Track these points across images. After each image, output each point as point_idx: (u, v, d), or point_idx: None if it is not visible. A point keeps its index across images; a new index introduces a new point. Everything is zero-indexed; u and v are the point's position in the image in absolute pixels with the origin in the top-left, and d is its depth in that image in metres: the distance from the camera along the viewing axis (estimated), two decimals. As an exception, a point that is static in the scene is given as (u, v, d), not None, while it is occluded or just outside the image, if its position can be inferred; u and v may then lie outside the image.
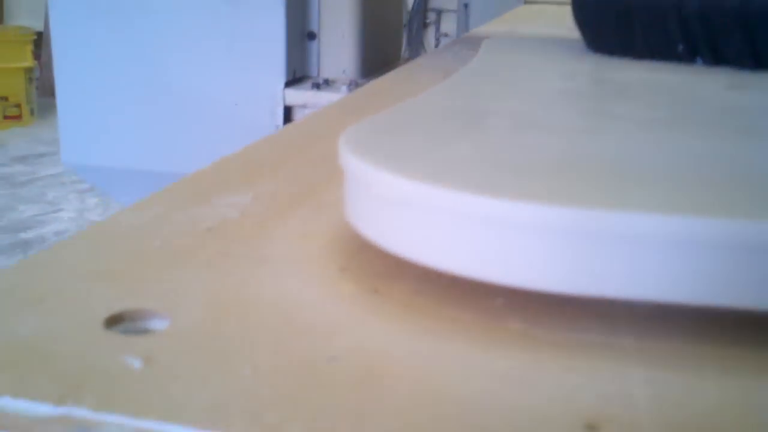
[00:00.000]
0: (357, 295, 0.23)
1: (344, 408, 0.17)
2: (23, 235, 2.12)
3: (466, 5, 2.37)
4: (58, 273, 0.24)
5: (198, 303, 0.22)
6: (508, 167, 0.24)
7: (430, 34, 3.66)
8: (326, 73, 1.10)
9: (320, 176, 0.36)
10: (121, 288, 0.23)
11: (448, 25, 3.53)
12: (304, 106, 1.05)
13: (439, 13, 3.61)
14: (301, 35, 1.08)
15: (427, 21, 3.66)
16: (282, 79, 1.04)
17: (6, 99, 3.35)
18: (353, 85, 1.05)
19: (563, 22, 0.89)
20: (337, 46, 1.09)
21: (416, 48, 3.49)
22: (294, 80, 1.07)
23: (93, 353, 0.19)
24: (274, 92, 1.04)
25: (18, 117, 3.38)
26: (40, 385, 0.17)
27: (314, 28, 1.09)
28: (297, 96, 1.05)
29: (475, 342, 0.20)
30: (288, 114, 1.06)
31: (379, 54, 1.19)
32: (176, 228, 0.28)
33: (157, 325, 0.21)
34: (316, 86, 1.05)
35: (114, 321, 0.21)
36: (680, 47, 0.50)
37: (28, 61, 3.41)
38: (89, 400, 0.17)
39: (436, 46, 3.45)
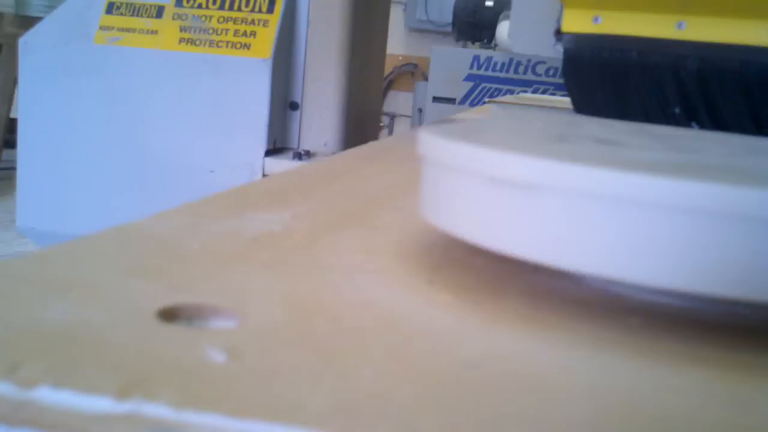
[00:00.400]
0: (460, 306, 0.19)
1: (505, 414, 0.13)
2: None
3: (420, 110, 2.42)
4: (84, 264, 0.19)
5: (270, 302, 0.18)
6: (607, 160, 0.20)
7: (383, 137, 3.70)
8: (307, 144, 1.08)
9: (355, 205, 0.32)
10: (164, 283, 0.18)
11: (401, 128, 3.58)
12: (283, 177, 1.01)
13: (392, 117, 3.66)
14: (283, 105, 1.07)
15: (381, 124, 3.72)
16: (262, 148, 1.01)
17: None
18: (335, 158, 1.03)
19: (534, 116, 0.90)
20: (320, 118, 1.07)
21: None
22: (274, 150, 1.05)
23: (153, 345, 0.14)
24: (254, 160, 1.01)
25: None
26: (90, 376, 0.13)
27: (297, 98, 1.07)
28: (277, 165, 1.01)
29: (610, 350, 0.16)
30: (266, 184, 1.02)
31: (359, 130, 1.18)
32: (214, 235, 0.24)
33: (224, 322, 0.16)
34: (297, 156, 1.02)
35: (170, 315, 0.16)
36: (677, 110, 0.49)
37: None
38: (166, 396, 0.12)
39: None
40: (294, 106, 1.07)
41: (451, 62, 2.27)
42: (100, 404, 0.12)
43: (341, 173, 0.42)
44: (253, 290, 0.18)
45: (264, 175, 1.01)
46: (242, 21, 1.01)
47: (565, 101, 0.69)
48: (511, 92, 2.12)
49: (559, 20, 0.64)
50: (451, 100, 2.32)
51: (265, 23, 1.01)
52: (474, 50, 2.41)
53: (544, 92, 1.88)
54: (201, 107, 1.01)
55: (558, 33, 0.63)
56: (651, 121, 0.50)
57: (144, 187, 1.02)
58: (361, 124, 1.18)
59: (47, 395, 0.12)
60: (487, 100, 2.25)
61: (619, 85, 0.53)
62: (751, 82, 0.47)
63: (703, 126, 0.50)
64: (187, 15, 1.02)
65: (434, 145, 0.21)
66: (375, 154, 0.55)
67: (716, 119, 0.49)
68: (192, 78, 1.01)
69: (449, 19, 2.67)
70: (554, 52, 0.70)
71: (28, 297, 0.16)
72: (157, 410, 0.12)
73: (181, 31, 1.02)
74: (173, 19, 1.02)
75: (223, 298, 0.17)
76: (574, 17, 0.53)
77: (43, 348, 0.14)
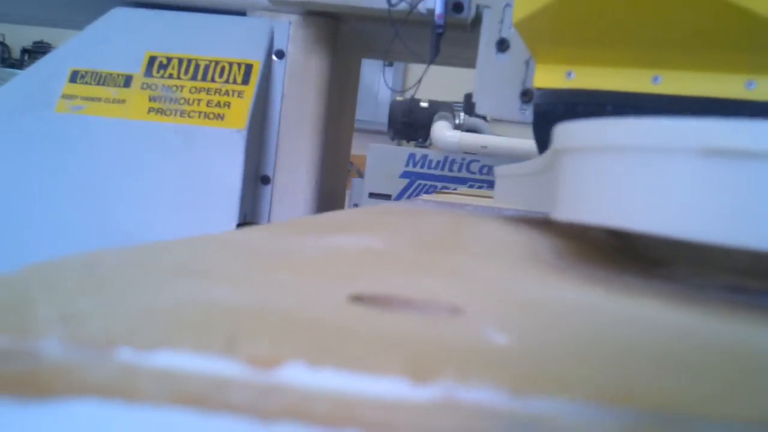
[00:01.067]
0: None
1: None
2: None
3: (356, 205, 2.49)
4: (213, 254, 0.15)
5: (488, 298, 0.14)
6: None
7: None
8: (277, 219, 1.05)
9: (429, 235, 0.29)
10: (326, 278, 0.15)
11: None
12: (255, 252, 0.97)
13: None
14: (255, 178, 1.04)
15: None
16: (233, 223, 0.97)
17: None
18: (310, 233, 0.99)
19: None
20: (292, 193, 1.05)
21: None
22: (244, 224, 1.01)
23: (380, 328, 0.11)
24: (223, 235, 0.96)
25: None
26: (347, 354, 0.09)
27: (269, 172, 1.04)
28: (248, 240, 0.97)
29: None
30: (236, 260, 0.98)
31: (329, 204, 1.15)
32: (319, 248, 0.20)
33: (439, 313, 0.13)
34: (270, 231, 0.98)
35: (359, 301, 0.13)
36: None
37: None
38: (472, 379, 0.09)
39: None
40: (266, 180, 1.05)
41: (387, 159, 2.34)
42: (393, 388, 0.08)
43: (382, 212, 0.39)
44: (446, 289, 0.15)
45: (234, 251, 0.97)
46: (216, 92, 0.99)
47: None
48: (446, 188, 2.20)
49: (525, 82, 0.64)
50: (386, 196, 2.40)
51: (240, 94, 0.99)
52: (409, 148, 2.49)
53: (479, 188, 1.96)
54: (170, 180, 0.97)
55: (524, 95, 0.62)
56: None
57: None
58: (330, 201, 1.16)
59: (302, 377, 0.09)
60: (424, 196, 2.33)
61: None
62: None
63: None
64: (156, 85, 1.00)
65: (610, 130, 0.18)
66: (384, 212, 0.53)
67: None
68: (161, 149, 0.97)
69: (383, 119, 2.76)
70: (520, 115, 0.69)
71: (176, 280, 0.13)
72: (478, 396, 0.08)
73: (150, 100, 0.99)
74: (142, 88, 1.00)
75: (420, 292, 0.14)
76: (547, 73, 0.52)
77: (254, 326, 0.10)
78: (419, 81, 1.03)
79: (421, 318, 0.13)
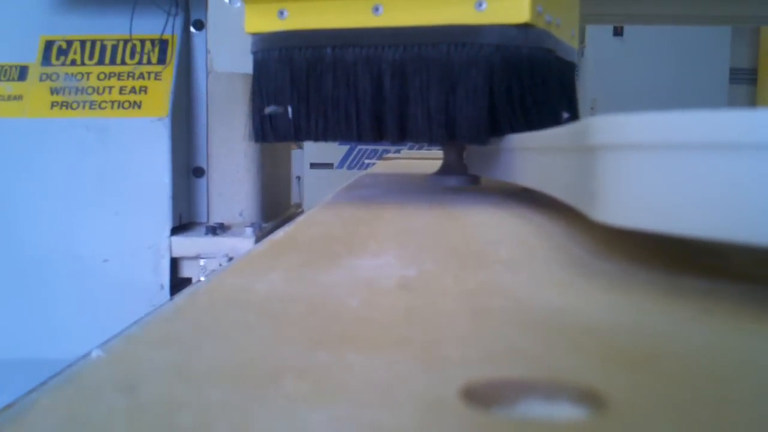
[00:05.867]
0: None
1: None
2: None
3: (298, 177, 2.50)
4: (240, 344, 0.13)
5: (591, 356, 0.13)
6: None
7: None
8: (219, 216, 1.01)
9: (441, 253, 0.27)
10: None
11: None
12: (197, 257, 0.94)
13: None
14: (186, 172, 1.00)
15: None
16: (167, 226, 0.93)
17: None
18: (257, 229, 0.96)
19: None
20: (231, 183, 1.01)
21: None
22: (181, 226, 0.97)
23: None
24: (158, 242, 0.93)
25: None
26: None
27: (202, 163, 1.01)
28: (188, 245, 0.94)
29: None
30: (175, 268, 0.94)
31: (274, 195, 1.12)
32: (355, 285, 0.18)
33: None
34: (211, 231, 0.95)
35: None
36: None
37: None
38: None
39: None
40: (199, 172, 1.01)
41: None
42: None
43: (362, 220, 0.37)
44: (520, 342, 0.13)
45: (173, 259, 0.93)
46: (128, 75, 0.94)
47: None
48: (387, 152, 2.23)
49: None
50: (328, 165, 2.44)
51: (158, 76, 0.95)
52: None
53: (419, 149, 1.97)
54: (85, 182, 0.92)
55: None
56: (359, 138, 0.45)
57: (17, 285, 0.91)
58: (275, 188, 1.13)
59: None
60: (367, 161, 2.35)
61: (317, 94, 0.46)
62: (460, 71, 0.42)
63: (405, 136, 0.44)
64: (58, 74, 0.94)
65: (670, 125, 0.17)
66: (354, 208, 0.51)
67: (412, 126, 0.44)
68: (71, 149, 0.92)
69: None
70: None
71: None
72: None
73: (52, 93, 0.93)
74: (40, 80, 0.94)
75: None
76: (257, 13, 0.46)
77: None
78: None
79: (559, 422, 0.11)
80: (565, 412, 0.11)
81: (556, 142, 0.29)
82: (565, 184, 0.27)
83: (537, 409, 0.12)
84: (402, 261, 0.23)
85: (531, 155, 0.37)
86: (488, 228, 0.32)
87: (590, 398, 0.12)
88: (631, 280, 0.20)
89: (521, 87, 0.43)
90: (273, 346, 0.14)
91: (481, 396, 0.12)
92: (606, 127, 0.20)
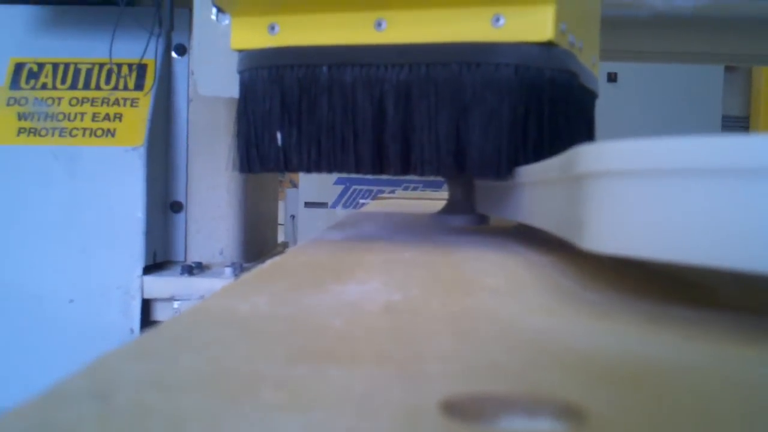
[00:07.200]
0: None
1: None
2: None
3: (293, 216, 2.56)
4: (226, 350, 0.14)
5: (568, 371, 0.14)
6: None
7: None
8: (197, 254, 1.02)
9: (426, 280, 0.28)
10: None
11: (278, 236, 3.61)
12: (171, 299, 0.94)
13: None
14: (163, 206, 1.01)
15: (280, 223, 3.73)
16: (139, 264, 0.94)
17: None
18: (238, 269, 0.97)
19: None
20: (212, 219, 1.02)
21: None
22: (155, 265, 0.98)
23: None
24: (128, 282, 0.93)
25: None
26: None
27: (180, 197, 1.02)
28: (161, 285, 0.94)
29: None
30: (147, 310, 0.95)
31: (259, 234, 1.13)
32: (338, 308, 0.19)
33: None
34: (187, 271, 0.96)
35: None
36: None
37: None
38: None
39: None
40: (177, 206, 1.02)
41: (322, 168, 2.39)
42: None
43: (350, 249, 0.38)
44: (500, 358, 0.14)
45: (144, 300, 0.94)
46: (103, 101, 0.96)
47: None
48: (381, 192, 2.29)
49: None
50: (323, 204, 2.50)
51: (134, 103, 0.96)
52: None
53: (413, 190, 2.00)
54: (52, 216, 0.93)
55: None
56: (363, 170, 0.44)
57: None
58: (260, 226, 1.14)
59: None
60: (362, 200, 2.42)
61: (311, 119, 0.44)
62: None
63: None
64: (27, 98, 0.96)
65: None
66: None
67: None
68: (37, 179, 0.93)
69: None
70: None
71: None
72: None
73: (19, 119, 0.95)
74: (8, 104, 0.96)
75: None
76: (245, 27, 0.45)
77: None
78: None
79: None
80: (546, 426, 0.12)
81: (547, 174, 0.30)
82: (556, 216, 0.28)
83: (517, 423, 0.12)
84: (388, 287, 0.24)
85: (526, 190, 0.38)
86: (477, 261, 0.33)
87: (571, 413, 0.13)
88: (617, 309, 0.21)
89: (541, 114, 0.41)
90: (251, 359, 0.15)
91: (461, 409, 0.13)
92: (591, 155, 0.21)
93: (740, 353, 0.16)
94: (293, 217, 2.55)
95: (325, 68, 0.43)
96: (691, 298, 0.23)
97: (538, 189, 0.33)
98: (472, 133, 0.41)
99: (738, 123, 2.53)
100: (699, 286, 0.26)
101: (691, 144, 0.18)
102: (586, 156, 0.22)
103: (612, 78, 2.38)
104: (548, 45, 0.41)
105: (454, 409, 0.13)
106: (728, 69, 2.39)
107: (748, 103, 2.54)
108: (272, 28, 0.45)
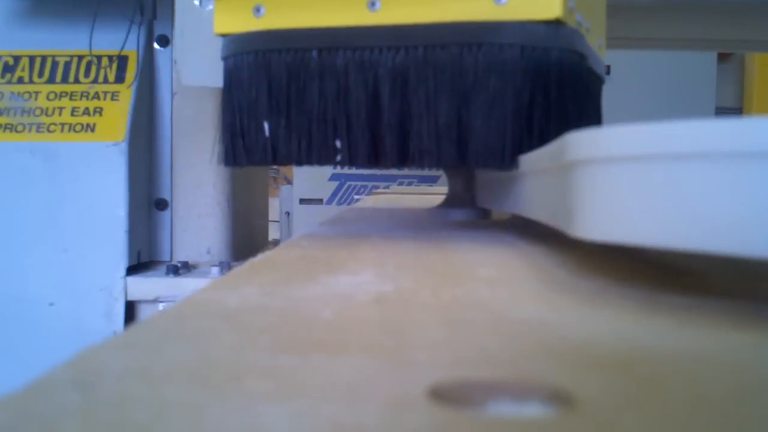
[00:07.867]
0: None
1: None
2: None
3: (287, 213, 2.60)
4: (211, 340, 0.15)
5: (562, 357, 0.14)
6: None
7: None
8: (183, 254, 1.02)
9: (418, 271, 0.29)
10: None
11: (269, 234, 3.64)
12: (155, 300, 0.95)
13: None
14: (147, 204, 1.01)
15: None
16: (122, 264, 0.94)
17: None
18: (226, 268, 0.98)
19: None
20: (198, 217, 1.03)
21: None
22: (139, 265, 0.98)
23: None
24: (111, 283, 0.94)
25: None
26: None
27: (165, 194, 1.02)
28: (145, 286, 0.95)
29: None
30: (131, 312, 0.95)
31: (248, 231, 1.14)
32: (327, 299, 0.20)
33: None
34: (173, 271, 0.96)
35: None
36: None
37: None
38: None
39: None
40: (162, 204, 1.02)
41: (316, 163, 2.43)
42: None
43: (341, 245, 0.39)
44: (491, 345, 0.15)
45: (128, 302, 0.94)
46: (82, 95, 0.96)
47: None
48: (376, 188, 2.33)
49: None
50: (318, 201, 2.53)
51: (115, 96, 0.97)
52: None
53: (408, 185, 2.02)
54: (29, 215, 0.93)
55: None
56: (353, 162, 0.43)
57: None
58: (249, 223, 1.14)
59: None
60: (356, 196, 2.45)
61: (300, 108, 0.43)
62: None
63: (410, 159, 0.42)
64: (2, 93, 0.96)
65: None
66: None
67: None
68: (13, 176, 0.94)
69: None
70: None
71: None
72: None
73: (-5, 114, 0.95)
74: (-18, 99, 0.96)
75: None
76: (229, 10, 0.44)
77: None
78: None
79: (526, 417, 0.12)
80: (534, 410, 0.13)
81: (539, 164, 0.31)
82: (549, 206, 0.28)
83: (505, 408, 0.13)
84: (380, 279, 0.24)
85: (520, 180, 0.39)
86: (470, 252, 0.34)
87: (560, 398, 0.13)
88: (610, 297, 0.22)
89: (548, 99, 0.40)
90: (238, 349, 0.15)
91: (449, 396, 0.13)
92: (581, 142, 0.22)
93: (732, 338, 0.17)
94: (288, 213, 2.60)
95: (314, 52, 0.43)
96: (682, 285, 0.24)
97: (530, 179, 0.34)
98: (475, 120, 0.40)
99: (731, 114, 2.60)
100: (690, 273, 0.26)
101: (678, 129, 0.18)
102: (574, 143, 0.22)
103: (605, 71, 2.42)
104: (556, 23, 0.39)
105: (441, 395, 0.13)
106: (721, 60, 2.43)
107: (741, 94, 2.59)
108: (258, 10, 0.44)
